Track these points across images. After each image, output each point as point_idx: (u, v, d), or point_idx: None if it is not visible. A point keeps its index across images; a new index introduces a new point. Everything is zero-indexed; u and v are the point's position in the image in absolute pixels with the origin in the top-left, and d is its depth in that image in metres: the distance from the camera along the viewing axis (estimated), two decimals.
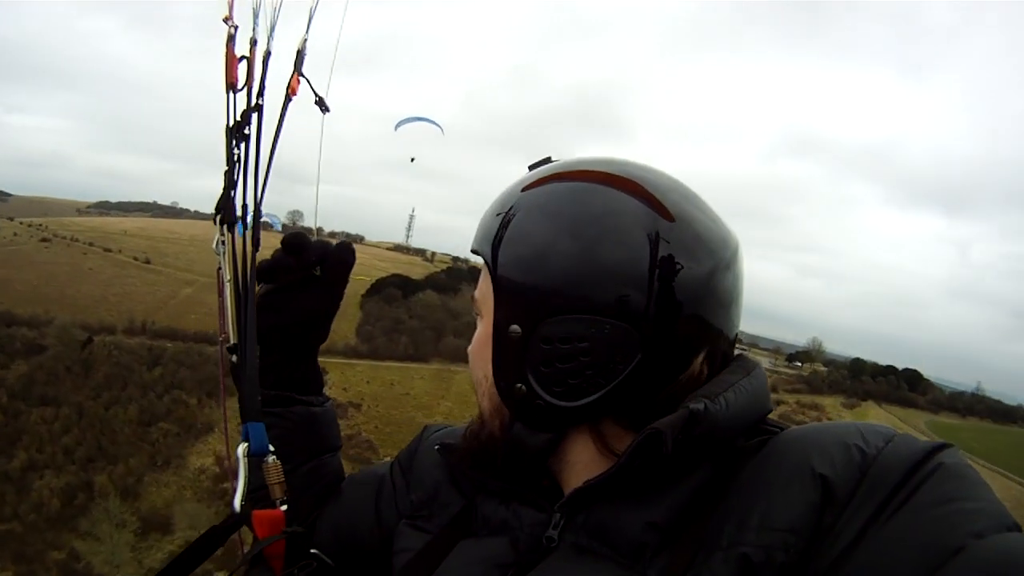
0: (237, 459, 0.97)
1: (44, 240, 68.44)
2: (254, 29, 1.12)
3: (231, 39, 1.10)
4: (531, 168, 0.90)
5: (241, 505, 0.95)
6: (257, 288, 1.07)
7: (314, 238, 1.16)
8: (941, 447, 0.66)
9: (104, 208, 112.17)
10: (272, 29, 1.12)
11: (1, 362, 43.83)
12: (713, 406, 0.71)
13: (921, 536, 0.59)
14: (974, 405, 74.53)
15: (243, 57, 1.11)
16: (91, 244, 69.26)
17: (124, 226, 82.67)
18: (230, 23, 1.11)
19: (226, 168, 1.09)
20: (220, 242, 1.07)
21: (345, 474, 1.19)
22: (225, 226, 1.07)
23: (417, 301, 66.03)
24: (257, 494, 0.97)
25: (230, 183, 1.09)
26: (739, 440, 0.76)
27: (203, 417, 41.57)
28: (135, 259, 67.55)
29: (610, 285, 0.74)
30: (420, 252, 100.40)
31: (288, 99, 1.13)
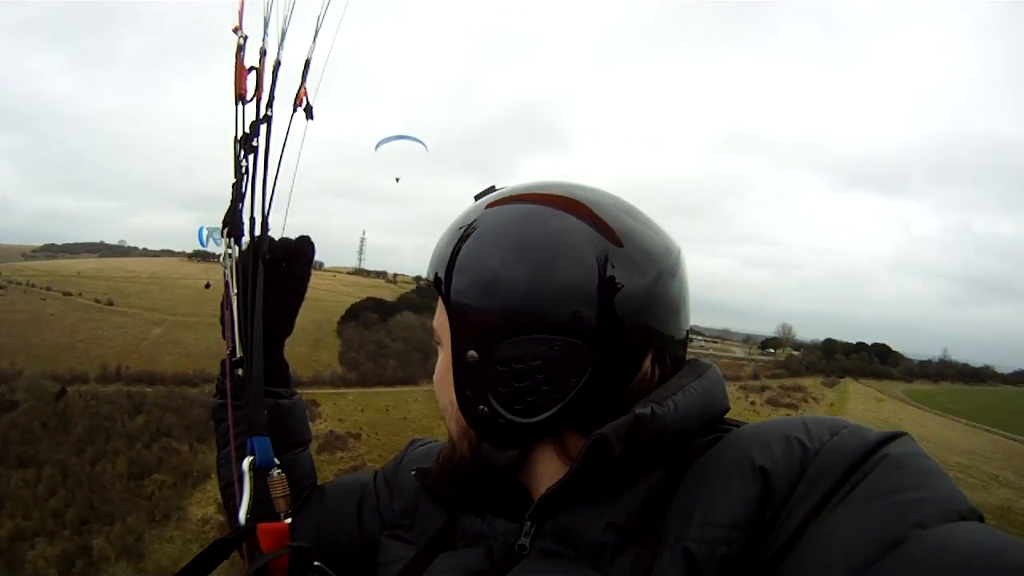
0: (242, 472, 0.99)
1: None
2: (264, 40, 1.10)
3: (240, 49, 1.08)
4: (477, 198, 0.92)
5: (246, 518, 0.97)
6: (236, 290, 1.09)
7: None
8: (891, 437, 0.65)
9: (51, 251, 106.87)
10: (283, 39, 1.09)
11: None
12: (660, 409, 0.73)
13: (862, 528, 0.58)
14: (944, 370, 77.43)
15: (252, 68, 1.09)
16: (48, 288, 66.02)
17: (78, 268, 79.07)
18: (239, 33, 1.08)
19: (234, 180, 1.08)
20: (228, 255, 1.08)
21: (317, 473, 1.20)
22: (232, 239, 1.07)
23: (396, 323, 65.01)
24: (261, 507, 1.00)
25: (238, 195, 1.08)
26: (694, 440, 0.78)
27: (198, 464, 39.68)
28: (97, 301, 64.57)
29: (561, 304, 0.77)
30: (381, 274, 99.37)
31: (295, 109, 1.13)
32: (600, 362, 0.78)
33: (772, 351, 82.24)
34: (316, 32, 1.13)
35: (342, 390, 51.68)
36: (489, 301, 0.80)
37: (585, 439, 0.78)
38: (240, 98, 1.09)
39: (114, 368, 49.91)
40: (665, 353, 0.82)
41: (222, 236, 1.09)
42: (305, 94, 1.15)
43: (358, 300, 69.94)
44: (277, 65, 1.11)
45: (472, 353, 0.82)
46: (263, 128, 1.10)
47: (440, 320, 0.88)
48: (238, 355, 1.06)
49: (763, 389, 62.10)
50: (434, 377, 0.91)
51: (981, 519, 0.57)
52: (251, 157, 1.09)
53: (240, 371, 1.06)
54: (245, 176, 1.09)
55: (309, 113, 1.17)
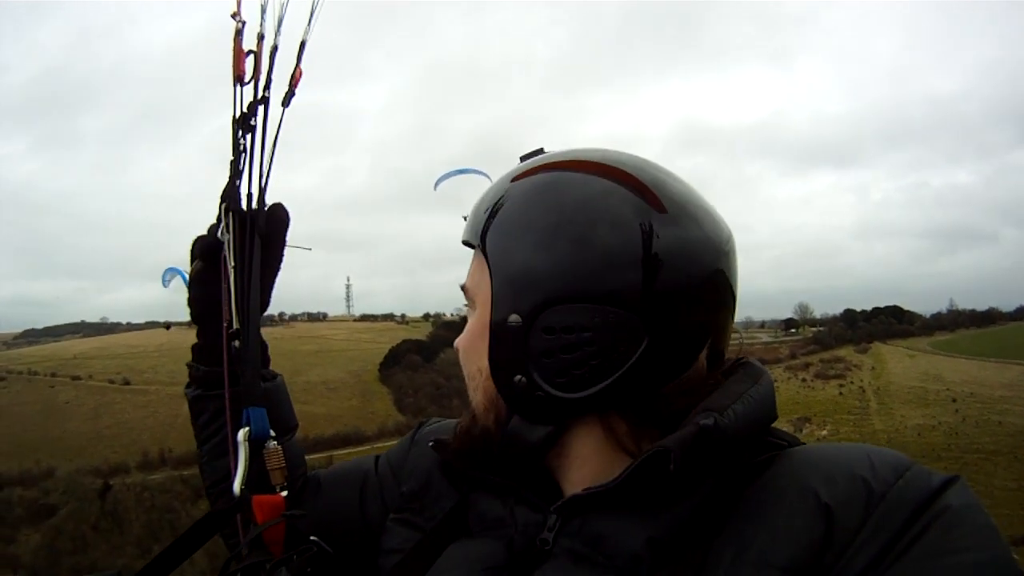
0: (237, 443, 0.98)
1: None
2: (262, 24, 1.17)
3: (239, 33, 1.16)
4: (522, 159, 0.89)
5: (240, 490, 0.96)
6: (192, 265, 1.12)
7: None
8: (949, 483, 0.64)
9: (33, 336, 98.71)
10: (280, 24, 1.16)
11: (3, 535, 35.28)
12: (723, 420, 0.69)
13: None
14: (956, 318, 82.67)
15: (250, 51, 1.16)
16: (54, 375, 60.10)
17: (74, 349, 72.86)
18: (238, 19, 1.16)
19: (232, 158, 1.12)
20: (224, 229, 1.10)
21: (307, 462, 1.16)
22: (230, 214, 1.10)
23: (443, 361, 60.98)
24: (257, 479, 0.97)
25: (235, 172, 1.12)
26: (745, 455, 0.73)
27: None
28: (111, 382, 59.19)
29: (609, 273, 0.73)
30: (388, 317, 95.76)
31: (291, 88, 1.18)
32: (654, 339, 0.72)
33: (794, 331, 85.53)
34: (311, 17, 1.17)
35: None
36: (533, 264, 0.75)
37: (630, 424, 0.75)
38: (238, 80, 1.13)
39: (156, 452, 44.57)
40: (720, 344, 0.79)
41: (220, 211, 1.10)
42: (300, 75, 1.17)
43: (393, 345, 65.52)
44: (274, 49, 1.15)
45: (515, 317, 0.75)
46: (260, 109, 1.13)
47: (476, 279, 0.83)
48: (234, 327, 1.05)
49: (807, 366, 65.29)
50: (461, 341, 0.85)
51: None
52: (248, 136, 1.12)
53: (236, 343, 1.04)
54: (243, 154, 1.11)
55: (287, 100, 1.16)
